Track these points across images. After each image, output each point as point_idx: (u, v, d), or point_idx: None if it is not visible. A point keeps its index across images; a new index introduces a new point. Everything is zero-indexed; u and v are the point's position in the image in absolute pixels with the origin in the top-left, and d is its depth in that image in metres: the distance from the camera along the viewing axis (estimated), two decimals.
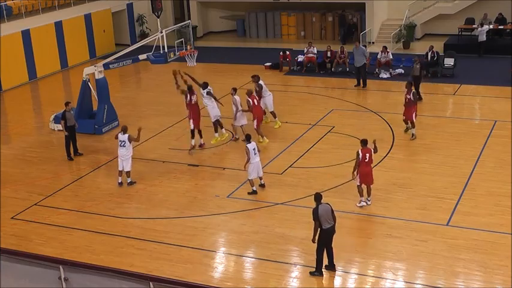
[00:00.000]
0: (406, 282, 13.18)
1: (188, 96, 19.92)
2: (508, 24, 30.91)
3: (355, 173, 15.90)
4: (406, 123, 20.31)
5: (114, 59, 22.75)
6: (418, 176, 17.78)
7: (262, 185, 17.40)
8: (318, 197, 13.30)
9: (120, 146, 17.81)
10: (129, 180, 18.16)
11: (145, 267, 13.73)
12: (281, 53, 29.45)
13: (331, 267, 13.47)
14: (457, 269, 13.43)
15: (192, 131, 19.98)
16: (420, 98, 22.73)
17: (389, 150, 19.48)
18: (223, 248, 15.10)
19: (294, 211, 16.15)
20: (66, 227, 16.09)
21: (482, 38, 29.76)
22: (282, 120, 22.26)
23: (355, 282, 13.43)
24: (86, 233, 15.78)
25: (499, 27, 30.56)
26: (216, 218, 16.17)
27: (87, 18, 33.47)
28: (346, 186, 17.14)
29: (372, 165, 16.21)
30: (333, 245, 13.32)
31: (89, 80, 22.48)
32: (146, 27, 36.95)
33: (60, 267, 8.11)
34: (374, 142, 16.19)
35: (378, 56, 27.73)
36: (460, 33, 31.65)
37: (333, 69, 28.45)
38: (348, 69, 28.02)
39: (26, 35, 29.84)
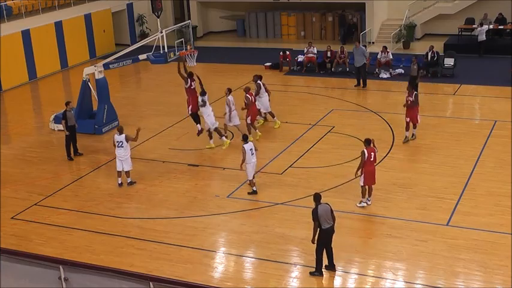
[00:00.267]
0: (406, 282, 13.18)
1: (189, 81, 20.52)
2: (508, 24, 30.91)
3: (359, 172, 15.89)
4: (407, 129, 19.89)
5: (114, 59, 22.75)
6: (418, 176, 17.78)
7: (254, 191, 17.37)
8: (317, 197, 13.29)
9: (118, 146, 17.80)
10: (129, 180, 18.16)
11: (145, 267, 13.73)
12: (281, 53, 29.46)
13: (331, 267, 13.47)
14: (457, 269, 13.43)
15: (192, 115, 20.53)
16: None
17: (389, 150, 19.48)
18: (223, 248, 15.09)
19: (294, 211, 16.15)
20: (66, 227, 16.09)
21: (482, 37, 29.75)
22: (282, 120, 22.26)
23: (355, 282, 13.43)
24: (86, 233, 15.78)
25: (499, 27, 30.56)
26: (216, 218, 16.17)
27: (87, 18, 33.48)
28: (346, 186, 17.15)
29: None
30: (332, 245, 13.31)
31: (89, 80, 22.47)
32: (146, 27, 36.95)
33: (60, 267, 8.11)
34: (372, 142, 16.17)
35: (378, 56, 27.73)
36: (460, 33, 31.66)
37: (333, 69, 28.45)
38: (348, 69, 28.02)
39: (26, 35, 29.85)
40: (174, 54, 21.80)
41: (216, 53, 33.34)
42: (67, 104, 20.32)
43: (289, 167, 18.79)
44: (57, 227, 16.12)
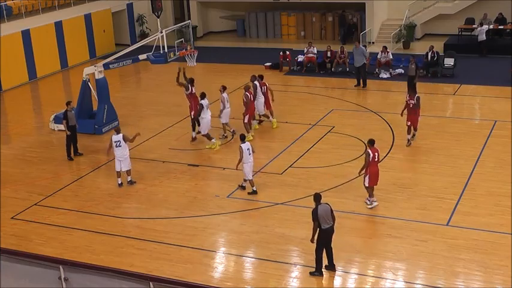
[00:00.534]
0: (406, 282, 13.18)
1: (190, 88, 20.82)
2: (508, 24, 30.90)
3: (362, 172, 15.86)
4: (409, 132, 19.75)
5: (114, 59, 22.74)
6: (418, 176, 17.78)
7: (243, 187, 17.37)
8: (317, 198, 13.29)
9: (116, 146, 17.80)
10: (129, 178, 18.17)
11: (145, 267, 13.73)
12: (281, 53, 29.46)
13: (331, 267, 13.47)
14: (457, 269, 13.43)
15: (197, 120, 20.68)
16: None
17: (389, 150, 19.48)
18: (223, 248, 15.09)
19: (294, 211, 16.15)
20: (66, 227, 16.09)
21: (482, 37, 29.75)
22: (282, 120, 22.26)
23: (355, 282, 13.43)
24: (86, 233, 15.78)
25: (499, 27, 30.56)
26: (216, 218, 16.17)
27: (87, 18, 33.48)
28: (346, 186, 17.15)
29: None
30: (332, 245, 13.32)
31: (89, 80, 22.47)
32: (146, 27, 36.95)
33: (60, 267, 8.11)
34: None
35: (378, 56, 27.73)
36: (460, 33, 31.65)
37: (333, 69, 28.45)
38: (348, 69, 28.02)
39: (26, 35, 29.85)
40: (174, 54, 21.80)
41: (216, 53, 33.34)
42: (68, 104, 20.32)
43: (289, 167, 18.79)
44: (57, 227, 16.12)
